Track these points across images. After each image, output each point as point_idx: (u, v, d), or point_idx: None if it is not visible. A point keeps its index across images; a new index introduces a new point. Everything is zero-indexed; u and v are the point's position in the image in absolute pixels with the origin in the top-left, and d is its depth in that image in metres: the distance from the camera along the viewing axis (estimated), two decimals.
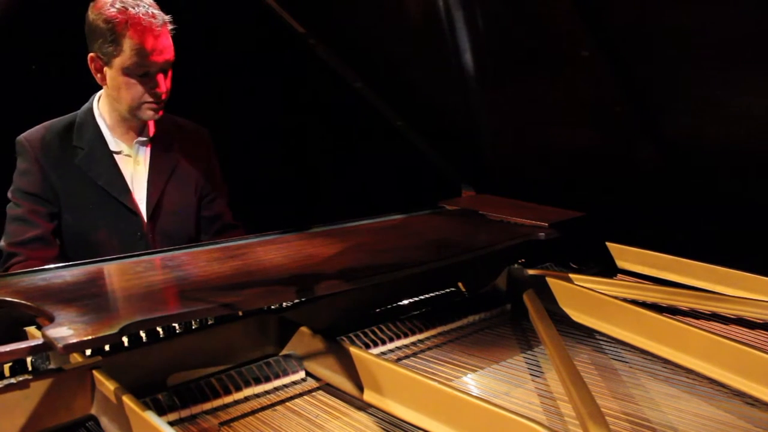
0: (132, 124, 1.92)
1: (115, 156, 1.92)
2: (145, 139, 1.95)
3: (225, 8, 2.85)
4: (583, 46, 1.65)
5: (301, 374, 1.28)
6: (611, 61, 1.66)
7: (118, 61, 1.77)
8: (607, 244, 1.90)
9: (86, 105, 1.95)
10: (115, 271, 1.43)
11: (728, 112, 1.65)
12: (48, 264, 1.75)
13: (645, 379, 1.31)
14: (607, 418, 1.03)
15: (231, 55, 3.02)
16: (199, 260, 1.54)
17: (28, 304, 1.18)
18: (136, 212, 1.91)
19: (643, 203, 1.99)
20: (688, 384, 1.29)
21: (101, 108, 1.92)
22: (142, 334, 1.25)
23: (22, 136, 1.88)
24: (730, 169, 1.80)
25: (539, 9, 1.67)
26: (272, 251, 1.61)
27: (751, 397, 1.22)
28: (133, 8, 1.75)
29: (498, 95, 2.07)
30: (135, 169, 1.93)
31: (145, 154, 1.95)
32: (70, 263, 1.46)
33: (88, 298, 1.21)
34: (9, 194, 1.88)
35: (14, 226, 1.84)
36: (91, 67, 1.84)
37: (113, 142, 1.92)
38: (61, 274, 1.37)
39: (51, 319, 1.09)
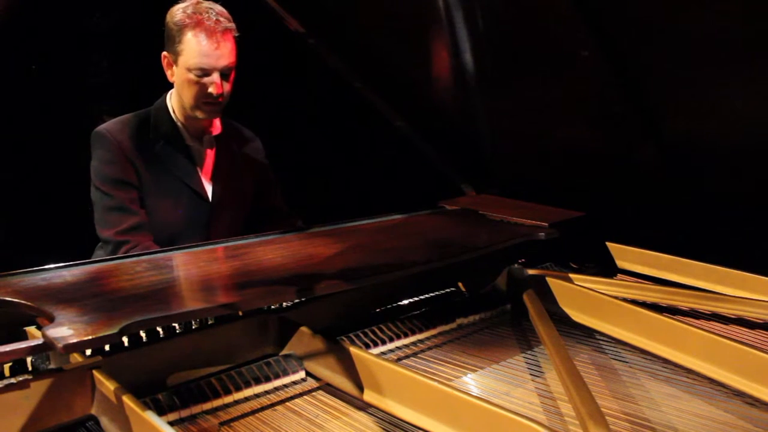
0: (199, 121, 2.04)
1: (188, 148, 2.06)
2: (211, 136, 2.09)
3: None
4: (583, 46, 1.65)
5: (301, 374, 1.28)
6: (611, 61, 1.66)
7: (182, 60, 1.91)
8: (607, 244, 1.90)
9: (159, 102, 2.07)
10: (115, 271, 1.43)
11: (728, 112, 1.65)
12: (153, 248, 1.87)
13: (645, 379, 1.31)
14: (607, 418, 1.03)
15: None
16: (199, 260, 1.54)
17: (28, 304, 1.18)
18: (206, 200, 2.05)
19: (643, 203, 1.99)
20: (688, 384, 1.29)
21: (173, 104, 2.05)
22: (142, 334, 1.25)
23: (102, 128, 1.98)
24: (730, 169, 1.80)
25: (539, 9, 1.67)
26: (272, 251, 1.61)
27: (751, 397, 1.22)
28: (201, 14, 1.90)
29: (498, 95, 2.07)
30: (203, 162, 2.08)
31: (212, 149, 2.10)
32: (70, 263, 1.46)
33: (88, 298, 1.21)
34: (97, 183, 1.96)
35: (113, 216, 1.93)
36: (163, 63, 1.97)
37: (187, 136, 2.05)
38: (61, 274, 1.37)
39: (51, 319, 1.09)
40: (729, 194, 1.84)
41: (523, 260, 1.81)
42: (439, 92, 2.24)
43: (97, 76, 2.07)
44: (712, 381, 1.28)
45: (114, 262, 1.49)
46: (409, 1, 1.93)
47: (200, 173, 2.07)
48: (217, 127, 2.10)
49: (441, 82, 2.18)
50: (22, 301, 1.19)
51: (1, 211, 2.42)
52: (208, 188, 2.07)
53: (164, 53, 1.96)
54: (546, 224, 1.89)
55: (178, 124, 2.04)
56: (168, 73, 1.98)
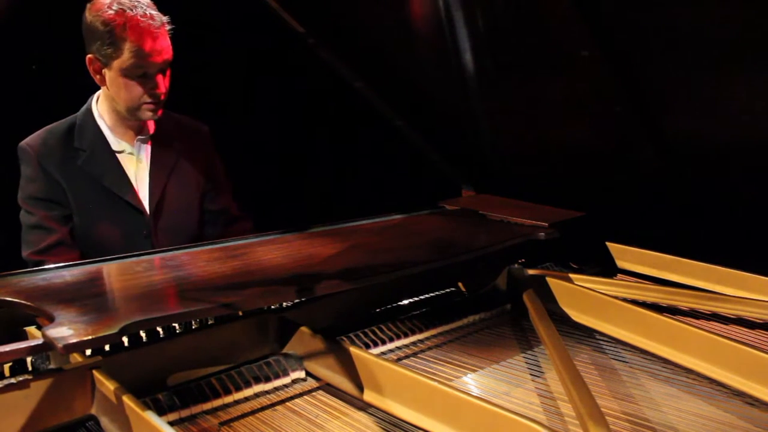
0: (131, 123, 1.93)
1: (117, 155, 1.93)
2: (145, 137, 1.97)
3: (225, 8, 2.85)
4: (583, 46, 1.65)
5: (301, 374, 1.28)
6: (611, 61, 1.66)
7: (116, 63, 1.78)
8: (607, 244, 1.90)
9: (85, 107, 1.95)
10: (115, 271, 1.43)
11: (728, 112, 1.65)
12: None
13: (645, 379, 1.31)
14: (607, 418, 1.03)
15: (231, 55, 3.02)
16: (199, 260, 1.54)
17: (28, 304, 1.18)
18: (140, 210, 1.92)
19: (643, 203, 1.99)
20: (688, 384, 1.29)
21: (100, 108, 1.93)
22: (142, 334, 1.26)
23: (23, 143, 1.88)
24: (730, 168, 1.80)
25: (539, 9, 1.67)
26: (272, 251, 1.61)
27: (751, 397, 1.22)
28: (131, 10, 1.75)
29: (498, 95, 2.07)
30: (137, 167, 1.95)
31: (146, 152, 1.97)
32: (70, 263, 1.46)
33: (88, 298, 1.21)
34: (20, 202, 1.88)
35: (33, 235, 1.85)
36: (90, 68, 1.84)
37: (115, 142, 1.93)
38: (61, 274, 1.37)
39: (51, 319, 1.09)
40: (729, 194, 1.84)
41: (523, 260, 1.81)
42: (439, 92, 2.24)
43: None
44: (712, 381, 1.28)
45: (114, 262, 1.49)
46: (409, 1, 1.93)
47: (134, 182, 1.91)
48: (150, 127, 1.97)
49: (441, 82, 2.18)
50: (22, 301, 1.19)
51: (2, 211, 2.42)
52: (145, 197, 1.92)
53: (90, 56, 1.80)
54: (546, 224, 1.89)
55: (105, 130, 1.90)
56: (97, 77, 1.83)
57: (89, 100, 1.96)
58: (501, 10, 1.77)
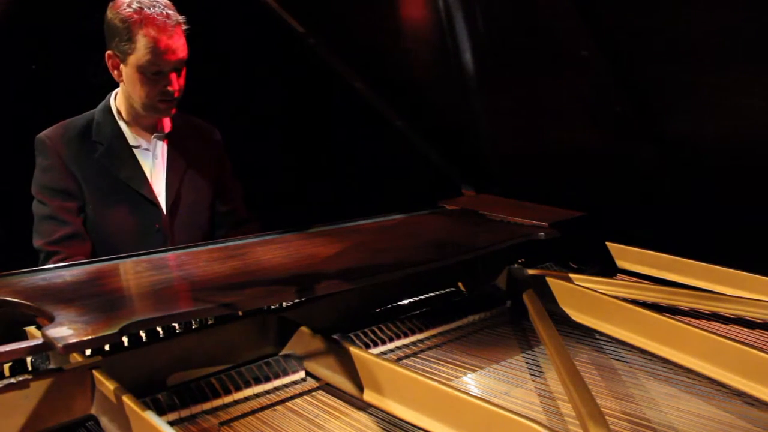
0: (148, 119, 1.96)
1: (134, 150, 1.96)
2: (161, 134, 2.00)
3: (225, 8, 2.85)
4: (583, 46, 1.65)
5: (301, 374, 1.29)
6: (611, 61, 1.66)
7: (132, 59, 1.82)
8: (607, 244, 1.90)
9: (103, 103, 1.99)
10: (115, 271, 1.43)
11: (728, 112, 1.65)
12: (86, 258, 1.78)
13: (645, 379, 1.31)
14: (607, 418, 1.03)
15: (231, 55, 3.02)
16: (199, 260, 1.54)
17: (28, 304, 1.18)
18: (155, 204, 1.95)
19: (643, 203, 1.99)
20: (688, 384, 1.29)
21: (118, 104, 1.97)
22: (142, 334, 1.26)
23: (42, 134, 1.91)
24: (730, 168, 1.80)
25: (539, 9, 1.67)
26: (272, 251, 1.61)
27: (751, 397, 1.22)
28: (149, 8, 1.80)
29: (498, 95, 2.07)
30: (153, 163, 1.98)
31: (162, 149, 2.00)
32: (70, 263, 1.46)
33: (88, 298, 1.21)
34: (33, 193, 1.90)
35: (46, 225, 1.87)
36: (108, 63, 1.88)
37: (132, 137, 1.97)
38: (61, 274, 1.37)
39: (51, 319, 1.10)
40: (729, 194, 1.84)
41: (523, 260, 1.81)
42: (439, 92, 2.24)
43: (97, 76, 2.06)
44: (712, 381, 1.28)
45: (114, 262, 1.49)
46: (410, 1, 1.93)
47: (150, 177, 1.95)
48: (167, 124, 2.01)
49: (441, 82, 2.18)
50: (22, 301, 1.19)
51: (2, 212, 2.42)
52: (159, 192, 1.96)
53: (109, 52, 1.86)
54: (546, 224, 1.89)
55: (123, 126, 1.95)
56: (114, 73, 1.88)
57: (107, 96, 2.00)
58: (501, 10, 1.77)
